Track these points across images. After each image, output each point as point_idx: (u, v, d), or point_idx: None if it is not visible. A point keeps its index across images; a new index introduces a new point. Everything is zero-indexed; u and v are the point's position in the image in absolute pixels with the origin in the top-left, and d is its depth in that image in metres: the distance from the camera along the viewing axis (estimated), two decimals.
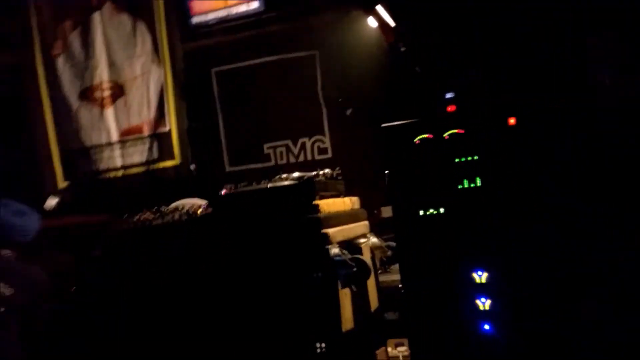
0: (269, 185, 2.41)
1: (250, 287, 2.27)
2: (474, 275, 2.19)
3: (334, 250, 2.19)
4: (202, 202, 2.75)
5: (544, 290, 2.07)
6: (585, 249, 2.05)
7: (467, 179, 2.22)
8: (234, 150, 4.38)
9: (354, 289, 2.27)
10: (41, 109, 4.10)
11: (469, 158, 2.23)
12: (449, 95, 2.29)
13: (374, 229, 2.81)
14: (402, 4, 2.69)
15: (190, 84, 4.02)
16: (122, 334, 2.48)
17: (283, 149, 4.28)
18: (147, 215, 2.65)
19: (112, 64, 4.08)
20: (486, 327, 2.16)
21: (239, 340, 2.27)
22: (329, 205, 2.37)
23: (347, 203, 2.61)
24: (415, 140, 2.27)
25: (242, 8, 3.96)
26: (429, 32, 2.50)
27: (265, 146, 4.30)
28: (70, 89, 4.13)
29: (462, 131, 2.23)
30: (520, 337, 2.11)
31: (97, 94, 4.08)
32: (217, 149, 4.38)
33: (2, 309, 2.37)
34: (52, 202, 4.05)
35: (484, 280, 2.18)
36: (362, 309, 2.42)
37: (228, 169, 4.42)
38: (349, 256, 2.22)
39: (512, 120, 2.18)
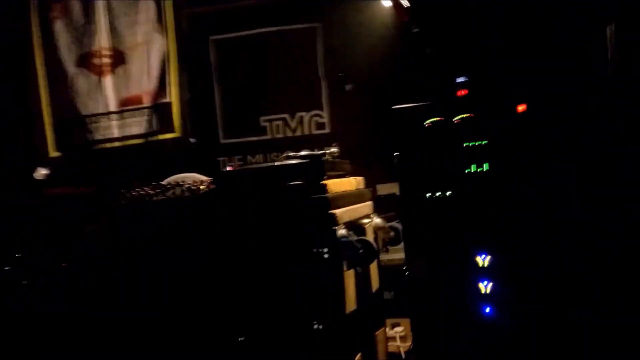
0: (277, 163, 2.38)
1: (256, 267, 2.26)
2: (478, 258, 2.21)
3: (341, 231, 2.18)
4: (202, 178, 2.71)
5: (546, 276, 2.10)
6: (590, 235, 2.08)
7: (475, 164, 2.23)
8: (229, 122, 4.30)
9: (359, 270, 2.28)
10: (35, 74, 3.95)
11: (478, 143, 2.23)
12: (460, 80, 2.26)
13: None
14: None
15: (189, 52, 3.90)
16: (117, 310, 2.46)
17: (280, 122, 4.20)
18: (147, 189, 2.60)
19: (113, 30, 3.92)
20: (487, 310, 2.20)
21: (242, 320, 2.28)
22: (336, 185, 2.35)
23: (352, 183, 2.60)
24: (425, 123, 2.26)
25: None
26: (444, 15, 2.45)
27: (262, 119, 4.22)
28: (67, 54, 3.98)
29: (471, 115, 2.22)
30: (521, 321, 2.15)
31: (96, 61, 3.93)
32: (212, 120, 4.30)
33: None
34: (41, 171, 3.95)
35: (486, 264, 2.20)
36: (365, 290, 2.43)
37: (222, 140, 4.35)
38: (355, 237, 2.21)
39: (521, 107, 2.18)
